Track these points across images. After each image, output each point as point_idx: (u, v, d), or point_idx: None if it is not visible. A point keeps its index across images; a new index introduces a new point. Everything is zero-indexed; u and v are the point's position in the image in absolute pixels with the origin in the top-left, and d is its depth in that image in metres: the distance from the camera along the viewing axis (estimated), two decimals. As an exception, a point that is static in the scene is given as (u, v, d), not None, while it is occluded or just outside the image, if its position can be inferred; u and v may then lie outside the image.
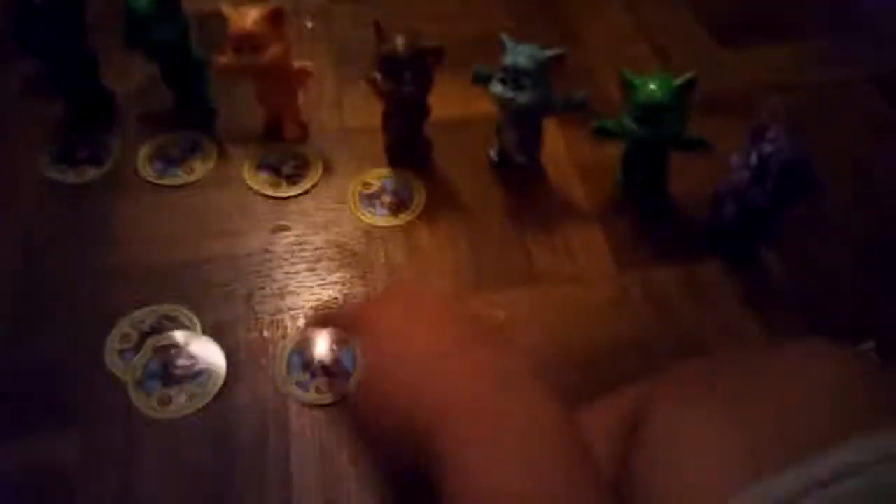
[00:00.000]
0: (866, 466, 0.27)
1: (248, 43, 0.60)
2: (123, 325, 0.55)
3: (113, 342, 0.54)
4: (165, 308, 0.56)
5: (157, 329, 0.55)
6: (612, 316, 0.57)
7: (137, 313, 0.56)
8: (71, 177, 0.65)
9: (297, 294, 0.58)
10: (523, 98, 0.57)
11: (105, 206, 0.63)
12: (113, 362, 0.53)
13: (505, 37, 0.59)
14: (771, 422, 0.30)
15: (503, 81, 0.58)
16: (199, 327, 0.55)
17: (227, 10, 0.61)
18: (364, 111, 0.71)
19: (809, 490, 0.26)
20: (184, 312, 0.56)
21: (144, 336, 0.54)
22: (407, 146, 0.67)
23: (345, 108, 0.72)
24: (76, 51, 0.66)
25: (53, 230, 0.62)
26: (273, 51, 0.61)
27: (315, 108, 0.72)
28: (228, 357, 0.54)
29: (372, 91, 0.62)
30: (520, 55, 0.56)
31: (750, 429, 0.30)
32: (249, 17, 0.60)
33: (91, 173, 0.65)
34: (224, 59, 0.63)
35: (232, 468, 0.49)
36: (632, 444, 0.33)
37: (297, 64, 0.64)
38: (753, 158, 0.53)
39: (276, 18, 0.60)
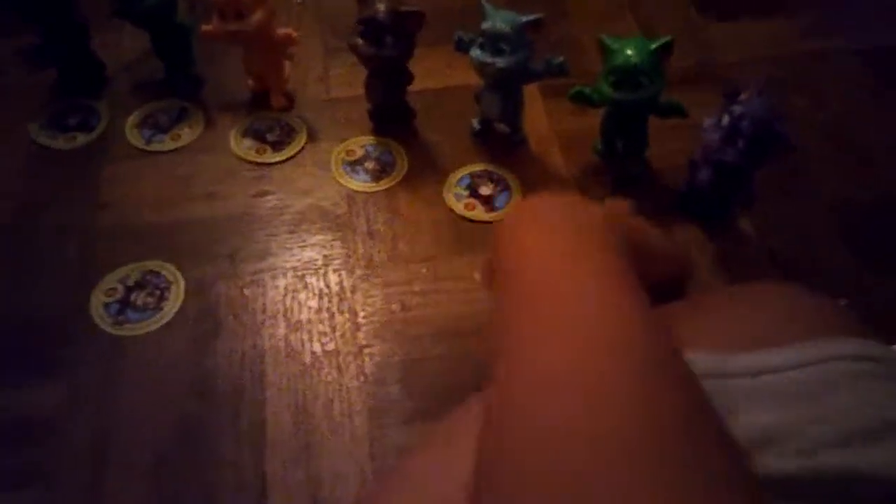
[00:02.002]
0: (809, 364, 0.29)
1: (232, 9, 0.61)
2: (109, 280, 0.56)
3: (98, 296, 0.56)
4: (150, 265, 0.58)
5: (141, 284, 0.56)
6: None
7: (123, 269, 0.57)
8: (61, 143, 0.66)
9: (277, 255, 0.59)
10: (502, 62, 0.58)
11: (94, 171, 0.65)
12: (99, 315, 0.54)
13: (484, 1, 0.60)
14: (726, 324, 0.33)
15: (482, 47, 0.59)
16: (181, 283, 0.57)
17: (211, -24, 0.62)
18: (350, 81, 0.71)
19: (762, 372, 0.29)
20: (168, 269, 0.57)
21: (129, 290, 0.56)
22: (390, 113, 0.68)
23: (331, 78, 0.73)
24: (67, 20, 0.67)
25: (43, 192, 0.63)
26: (257, 17, 0.62)
27: (302, 80, 0.73)
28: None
29: (355, 56, 0.63)
30: (498, 19, 0.57)
31: (707, 327, 0.32)
32: (235, -18, 0.61)
33: (81, 139, 0.67)
34: (209, 26, 0.64)
35: (210, 415, 0.50)
36: None
37: (280, 30, 0.65)
38: (725, 119, 0.54)
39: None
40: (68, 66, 0.70)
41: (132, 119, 0.68)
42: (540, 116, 0.70)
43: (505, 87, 0.63)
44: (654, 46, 0.56)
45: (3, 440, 0.49)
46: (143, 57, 0.74)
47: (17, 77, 0.72)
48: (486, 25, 0.58)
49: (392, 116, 0.68)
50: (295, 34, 0.65)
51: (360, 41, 0.60)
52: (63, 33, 0.68)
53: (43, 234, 0.60)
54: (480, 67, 0.60)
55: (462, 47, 0.62)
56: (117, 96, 0.71)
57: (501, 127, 0.67)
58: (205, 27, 0.65)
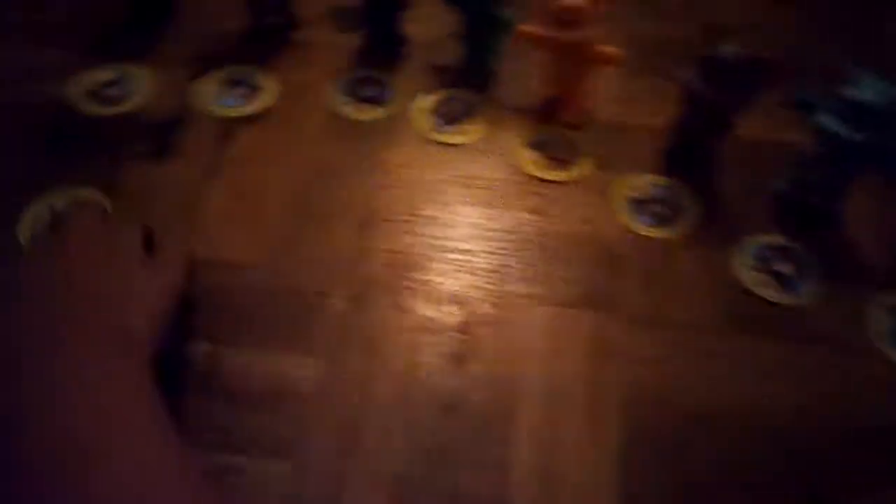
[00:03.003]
0: None
1: (567, 16, 0.58)
2: (375, 268, 0.56)
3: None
4: (418, 262, 0.57)
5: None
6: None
7: (391, 260, 0.57)
8: (351, 112, 0.67)
9: (539, 281, 0.56)
10: (860, 137, 0.50)
11: (376, 148, 0.64)
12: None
13: (848, 66, 0.52)
14: None
15: (837, 114, 0.51)
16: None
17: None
18: (649, 110, 0.66)
19: None
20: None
21: (392, 283, 0.55)
22: (692, 157, 0.62)
23: (627, 103, 0.68)
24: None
25: (330, 159, 0.64)
26: (588, 30, 0.58)
27: (597, 98, 0.68)
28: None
29: (684, 92, 0.58)
30: (869, 89, 0.49)
31: None
32: (576, -10, 0.58)
33: (370, 113, 0.67)
34: (530, 28, 0.62)
35: (455, 436, 0.48)
36: None
37: (606, 48, 0.60)
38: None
39: (602, -3, 0.57)
40: (375, 34, 0.71)
41: (423, 103, 0.68)
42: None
43: (842, 165, 0.54)
44: None
45: (265, 406, 0.50)
46: (443, 39, 0.73)
47: (326, 35, 0.73)
48: (851, 92, 0.50)
49: (693, 160, 0.62)
50: (622, 55, 0.60)
51: (693, 77, 0.54)
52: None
53: (320, 205, 0.61)
54: (828, 138, 0.52)
55: (803, 108, 0.54)
56: (412, 75, 0.70)
57: (814, 199, 0.58)
58: (525, 27, 0.62)
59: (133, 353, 0.44)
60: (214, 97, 0.67)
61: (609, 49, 0.61)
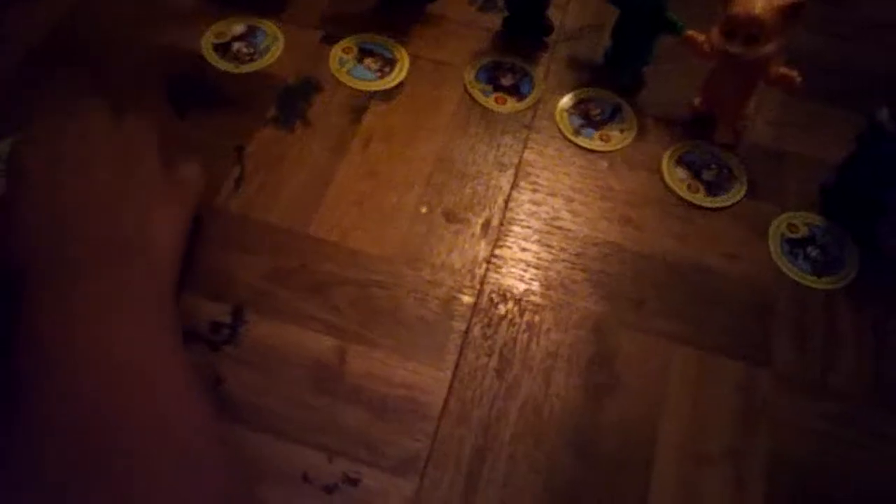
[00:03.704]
0: None
1: (747, 29, 0.52)
2: (506, 278, 0.52)
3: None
4: (553, 279, 0.53)
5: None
6: None
7: (524, 272, 0.53)
8: (488, 101, 0.62)
9: (684, 321, 0.51)
10: None
11: (511, 144, 0.60)
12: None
13: None
14: None
15: None
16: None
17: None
18: (816, 139, 0.61)
19: None
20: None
21: (524, 298, 0.51)
22: (859, 201, 0.56)
23: (785, 127, 0.62)
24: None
25: (462, 149, 0.59)
26: (769, 47, 0.52)
27: (750, 117, 0.63)
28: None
29: (864, 129, 0.52)
30: None
31: None
32: (760, 1, 0.52)
33: (509, 105, 0.62)
34: (701, 36, 0.56)
35: (588, 477, 0.45)
36: None
37: (782, 69, 0.55)
38: None
39: (792, 13, 0.51)
40: (519, 18, 0.66)
41: (565, 100, 0.63)
42: None
43: None
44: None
45: (390, 416, 0.47)
46: (587, 31, 0.68)
47: (464, 12, 0.68)
48: None
49: (858, 205, 0.56)
50: (799, 79, 0.54)
51: (891, 120, 0.49)
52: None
53: (448, 202, 0.57)
54: None
55: None
56: (553, 68, 0.65)
57: None
58: (695, 35, 0.57)
59: (165, 300, 0.40)
60: (347, 65, 0.63)
61: (788, 72, 0.55)
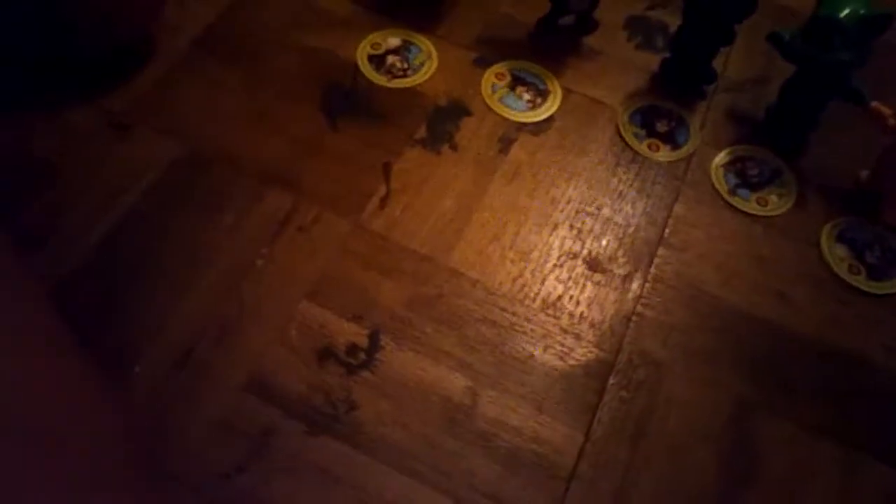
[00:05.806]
0: None
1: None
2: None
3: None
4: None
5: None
6: None
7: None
8: (639, 145, 0.60)
9: (836, 416, 0.47)
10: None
11: (660, 195, 0.57)
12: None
13: None
14: None
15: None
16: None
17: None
18: None
19: None
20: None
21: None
22: None
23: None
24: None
25: (611, 194, 0.57)
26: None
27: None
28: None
29: None
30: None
31: None
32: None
33: (662, 153, 0.59)
34: (890, 111, 0.52)
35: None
36: None
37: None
38: None
39: None
40: (681, 62, 0.63)
41: (721, 156, 0.60)
42: None
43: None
44: (869, 13, 0.50)
45: (522, 471, 0.45)
46: (750, 84, 0.65)
47: (621, 49, 0.66)
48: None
49: None
50: None
51: None
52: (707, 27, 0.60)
53: (603, 244, 0.55)
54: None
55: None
56: (710, 119, 0.62)
57: None
58: (880, 107, 0.53)
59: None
60: (499, 92, 0.61)
61: None
